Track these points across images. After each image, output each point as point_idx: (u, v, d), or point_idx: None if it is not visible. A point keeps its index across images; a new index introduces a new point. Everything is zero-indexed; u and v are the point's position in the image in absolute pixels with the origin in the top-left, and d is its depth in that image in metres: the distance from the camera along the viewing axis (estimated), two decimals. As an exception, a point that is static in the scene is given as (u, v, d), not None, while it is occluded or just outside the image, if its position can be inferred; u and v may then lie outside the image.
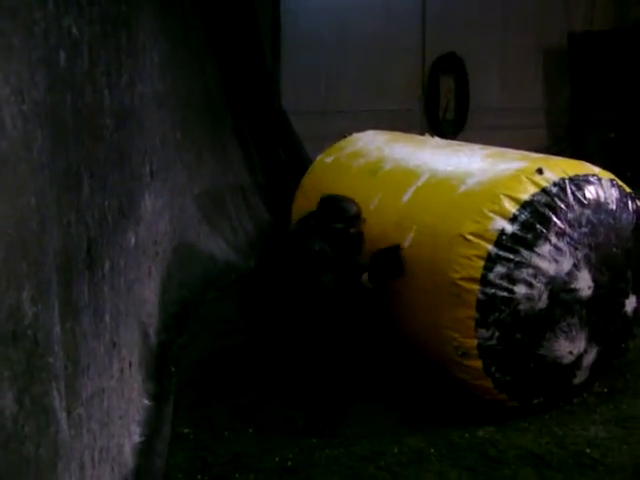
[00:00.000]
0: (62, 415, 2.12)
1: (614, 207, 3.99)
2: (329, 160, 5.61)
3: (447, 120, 10.84)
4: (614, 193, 4.00)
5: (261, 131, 8.48)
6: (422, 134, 6.17)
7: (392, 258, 4.11)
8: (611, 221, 3.97)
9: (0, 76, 1.73)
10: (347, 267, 4.28)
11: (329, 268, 4.18)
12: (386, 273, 4.12)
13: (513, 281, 3.66)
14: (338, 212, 4.37)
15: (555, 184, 3.79)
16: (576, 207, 3.81)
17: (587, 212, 3.85)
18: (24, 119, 1.87)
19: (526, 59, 11.08)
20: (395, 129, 6.60)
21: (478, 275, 3.64)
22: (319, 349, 4.10)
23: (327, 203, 4.46)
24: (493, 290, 3.64)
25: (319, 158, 5.82)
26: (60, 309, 2.17)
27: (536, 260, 3.69)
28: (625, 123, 10.68)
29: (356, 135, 5.83)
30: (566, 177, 3.84)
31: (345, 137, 5.86)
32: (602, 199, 3.93)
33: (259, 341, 4.44)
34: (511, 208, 3.70)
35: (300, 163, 8.00)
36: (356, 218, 4.37)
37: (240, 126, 8.28)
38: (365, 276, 4.12)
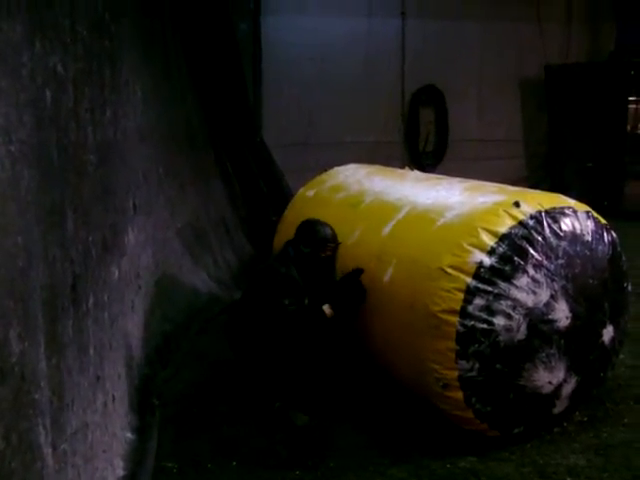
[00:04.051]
0: (48, 450, 2.14)
1: (590, 239, 4.04)
2: (310, 194, 5.65)
3: (427, 152, 10.97)
4: (590, 225, 4.07)
5: (243, 164, 8.55)
6: (403, 167, 6.24)
7: (353, 283, 4.20)
8: (587, 252, 4.02)
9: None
10: (315, 291, 4.32)
11: (293, 291, 4.23)
12: (349, 300, 4.20)
13: (492, 313, 3.70)
14: (307, 236, 4.42)
15: (532, 217, 3.85)
16: (552, 239, 3.86)
17: (563, 244, 3.90)
18: (12, 160, 1.91)
19: (504, 91, 11.27)
20: (376, 160, 6.68)
21: (458, 307, 3.68)
22: (292, 373, 4.14)
23: (301, 227, 4.53)
24: (473, 322, 3.68)
25: (300, 192, 5.86)
26: (46, 345, 2.19)
27: (514, 292, 3.73)
28: (601, 153, 10.86)
29: (337, 169, 5.87)
30: (542, 210, 3.90)
31: (326, 171, 5.90)
32: (578, 231, 3.99)
33: (248, 371, 4.44)
34: (489, 241, 3.75)
35: (281, 195, 8.08)
36: (325, 242, 4.42)
37: (222, 160, 8.36)
38: (326, 307, 4.18)
